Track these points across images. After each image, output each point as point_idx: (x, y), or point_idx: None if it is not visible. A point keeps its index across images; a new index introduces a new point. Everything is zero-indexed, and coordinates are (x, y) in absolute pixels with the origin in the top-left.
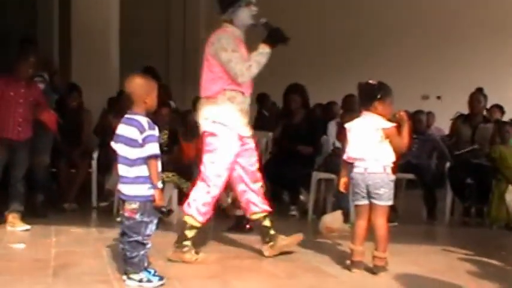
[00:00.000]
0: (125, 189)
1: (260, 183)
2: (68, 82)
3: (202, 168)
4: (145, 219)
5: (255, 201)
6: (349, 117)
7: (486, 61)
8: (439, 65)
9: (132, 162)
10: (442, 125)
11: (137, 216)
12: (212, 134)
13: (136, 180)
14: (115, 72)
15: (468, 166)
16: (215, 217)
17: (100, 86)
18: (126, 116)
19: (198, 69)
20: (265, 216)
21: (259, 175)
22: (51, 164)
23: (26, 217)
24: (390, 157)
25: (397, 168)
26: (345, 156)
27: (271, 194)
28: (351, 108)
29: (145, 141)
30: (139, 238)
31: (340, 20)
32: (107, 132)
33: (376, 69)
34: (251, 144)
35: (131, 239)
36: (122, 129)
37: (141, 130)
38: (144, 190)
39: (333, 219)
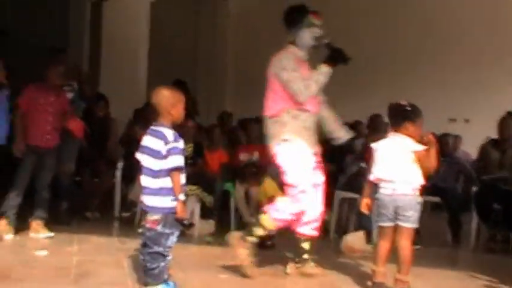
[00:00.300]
0: (147, 200)
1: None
2: (96, 92)
3: (286, 188)
4: (167, 230)
5: (307, 221)
6: (375, 137)
7: None
8: (467, 87)
9: (155, 174)
10: (469, 148)
11: (159, 228)
12: (282, 153)
13: (160, 191)
14: (142, 84)
15: (495, 191)
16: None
17: (127, 97)
18: (152, 127)
19: (225, 84)
20: (307, 239)
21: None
22: (75, 172)
23: (49, 224)
24: (419, 180)
25: (423, 190)
26: (371, 177)
27: None
28: (377, 128)
29: (169, 153)
30: (160, 249)
31: (368, 40)
32: (132, 143)
33: (403, 90)
34: (316, 161)
35: (152, 250)
36: (147, 140)
37: (166, 142)
38: (167, 202)
39: (355, 239)
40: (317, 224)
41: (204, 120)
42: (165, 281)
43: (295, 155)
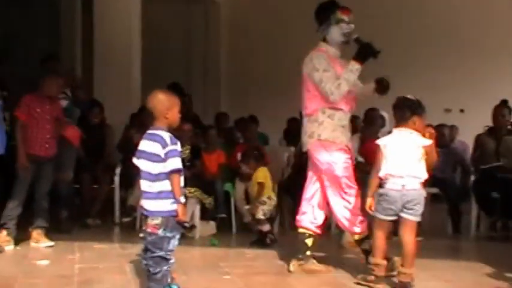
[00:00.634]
0: (147, 204)
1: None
2: (90, 97)
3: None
4: (168, 234)
5: (314, 216)
6: (370, 131)
7: (510, 73)
8: (462, 77)
9: (154, 178)
10: (465, 138)
11: (160, 232)
12: (320, 151)
13: (159, 195)
14: (137, 88)
15: (493, 180)
16: (237, 232)
17: (122, 102)
18: (148, 131)
19: (220, 85)
20: (310, 235)
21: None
22: (74, 180)
23: (50, 233)
24: (425, 174)
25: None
26: (381, 174)
27: (294, 209)
28: (372, 122)
29: (167, 156)
30: (162, 253)
31: (362, 31)
32: (130, 148)
33: (398, 82)
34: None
35: (154, 255)
36: (144, 144)
37: (163, 145)
38: (167, 205)
39: None
40: (321, 223)
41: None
42: (169, 285)
43: (332, 153)
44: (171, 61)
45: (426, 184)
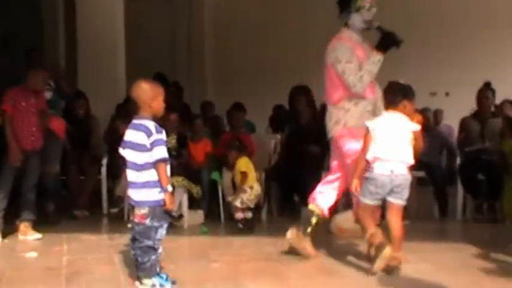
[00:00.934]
0: (134, 194)
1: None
2: (74, 88)
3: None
4: (156, 224)
5: (329, 198)
6: None
7: (495, 55)
8: (447, 61)
9: (140, 167)
10: (451, 121)
11: (147, 222)
12: (346, 138)
13: (146, 185)
14: (122, 79)
15: (479, 162)
16: (225, 221)
17: (107, 93)
18: (133, 121)
19: (205, 74)
20: (318, 215)
21: None
22: (60, 172)
23: (37, 225)
24: (412, 159)
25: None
26: (369, 156)
27: (282, 196)
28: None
29: (153, 145)
30: (150, 243)
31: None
32: (116, 139)
33: (383, 67)
34: None
35: (142, 244)
36: (129, 134)
37: (149, 134)
38: (154, 195)
39: (344, 219)
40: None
41: None
42: (158, 274)
43: (360, 139)
44: (156, 51)
45: (412, 168)
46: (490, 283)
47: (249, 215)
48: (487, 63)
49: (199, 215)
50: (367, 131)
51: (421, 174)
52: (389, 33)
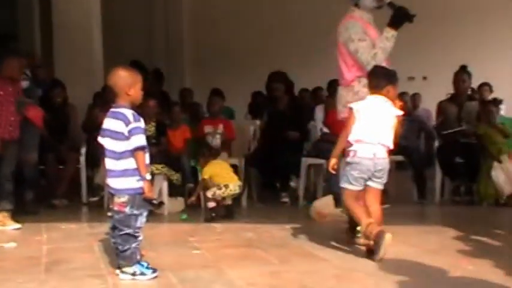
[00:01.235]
0: (113, 183)
1: None
2: (51, 76)
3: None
4: (135, 212)
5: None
6: (334, 101)
7: (472, 39)
8: (424, 45)
9: (119, 156)
10: (429, 105)
11: (127, 210)
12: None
13: (124, 173)
14: (99, 67)
15: (456, 145)
16: (206, 208)
17: (84, 81)
18: (111, 109)
19: (181, 62)
20: None
21: None
22: (39, 161)
23: (16, 215)
24: (392, 143)
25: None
26: (351, 138)
27: (262, 182)
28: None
29: (131, 133)
30: (131, 231)
31: (325, 3)
32: (94, 127)
33: None
34: None
35: (122, 233)
36: (107, 123)
37: (127, 122)
38: (133, 183)
39: (324, 204)
40: None
41: None
42: (138, 262)
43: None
44: (133, 38)
45: (391, 152)
46: (469, 264)
47: (213, 204)
48: (465, 48)
49: (179, 202)
50: (351, 112)
51: (400, 158)
52: (401, 8)
